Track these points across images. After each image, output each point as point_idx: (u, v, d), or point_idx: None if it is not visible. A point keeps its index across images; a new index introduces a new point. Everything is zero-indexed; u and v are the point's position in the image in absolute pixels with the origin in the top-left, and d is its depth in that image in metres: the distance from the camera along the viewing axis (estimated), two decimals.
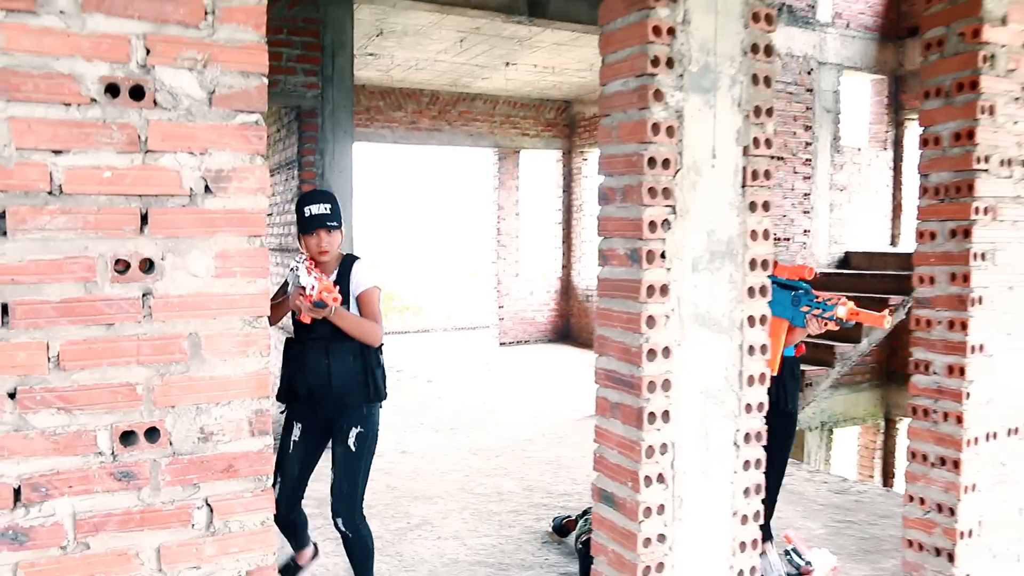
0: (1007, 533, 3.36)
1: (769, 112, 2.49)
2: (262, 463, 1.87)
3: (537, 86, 11.11)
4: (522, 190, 12.48)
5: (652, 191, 2.28)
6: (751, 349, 2.49)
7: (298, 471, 3.34)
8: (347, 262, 3.31)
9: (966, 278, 3.11)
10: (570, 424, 7.00)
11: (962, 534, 3.22)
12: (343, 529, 3.25)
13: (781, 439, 3.63)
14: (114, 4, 1.66)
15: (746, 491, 2.56)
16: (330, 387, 3.20)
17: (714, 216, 2.40)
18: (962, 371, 3.15)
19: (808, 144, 8.30)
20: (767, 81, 2.48)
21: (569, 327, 12.31)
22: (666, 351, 2.33)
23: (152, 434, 1.76)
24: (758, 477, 2.57)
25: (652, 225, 2.27)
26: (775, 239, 8.16)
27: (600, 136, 2.48)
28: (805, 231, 8.31)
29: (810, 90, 8.29)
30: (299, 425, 3.33)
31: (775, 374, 3.40)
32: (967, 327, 3.13)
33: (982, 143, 3.09)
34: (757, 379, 2.52)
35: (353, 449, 3.23)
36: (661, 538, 2.41)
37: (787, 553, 3.89)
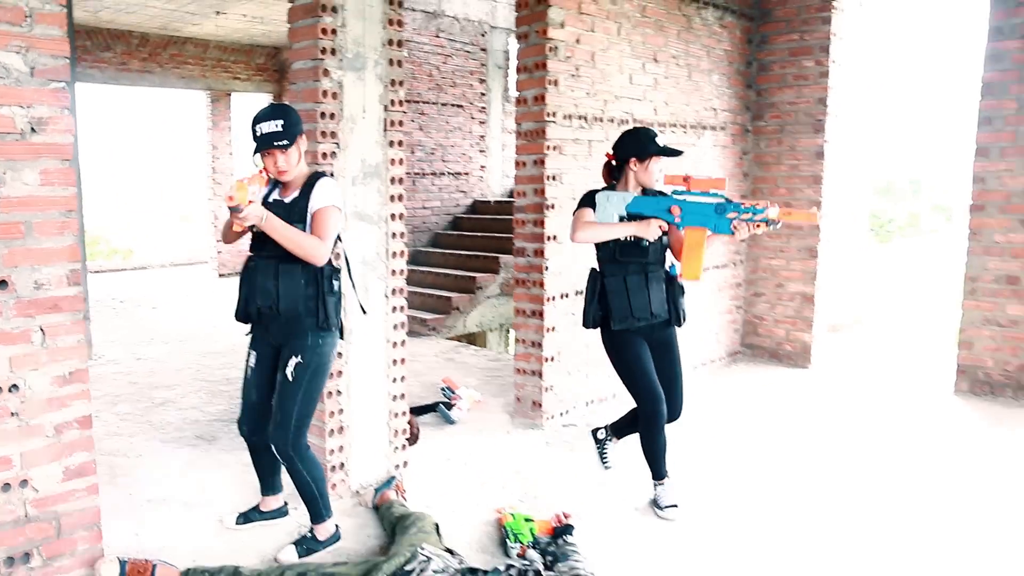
0: (576, 359, 5.14)
1: (401, 83, 3.88)
2: (76, 303, 2.98)
3: (248, 33, 11.77)
4: (235, 130, 13.14)
5: (323, 133, 3.59)
6: (393, 235, 3.91)
7: (255, 396, 3.31)
8: (312, 179, 3.15)
9: (541, 192, 4.77)
10: None
11: (546, 359, 4.94)
12: (277, 455, 3.25)
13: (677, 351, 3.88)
14: None
15: (395, 326, 4.00)
16: (277, 310, 3.11)
17: (366, 149, 3.76)
18: (541, 253, 4.82)
19: (483, 95, 9.96)
20: (399, 63, 3.86)
21: None
22: (337, 235, 3.68)
23: (3, 284, 2.81)
24: (402, 317, 4.02)
25: (324, 155, 3.59)
26: (456, 173, 9.81)
27: (290, 97, 3.73)
28: (482, 167, 10.02)
29: (484, 50, 9.92)
30: (254, 353, 3.29)
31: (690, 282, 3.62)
32: (544, 224, 4.79)
33: (550, 104, 4.72)
34: (398, 254, 3.95)
35: (290, 379, 3.13)
36: (339, 355, 3.78)
37: (442, 390, 5.45)
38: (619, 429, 4.24)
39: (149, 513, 3.75)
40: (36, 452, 2.95)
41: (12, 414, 2.88)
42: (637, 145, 3.63)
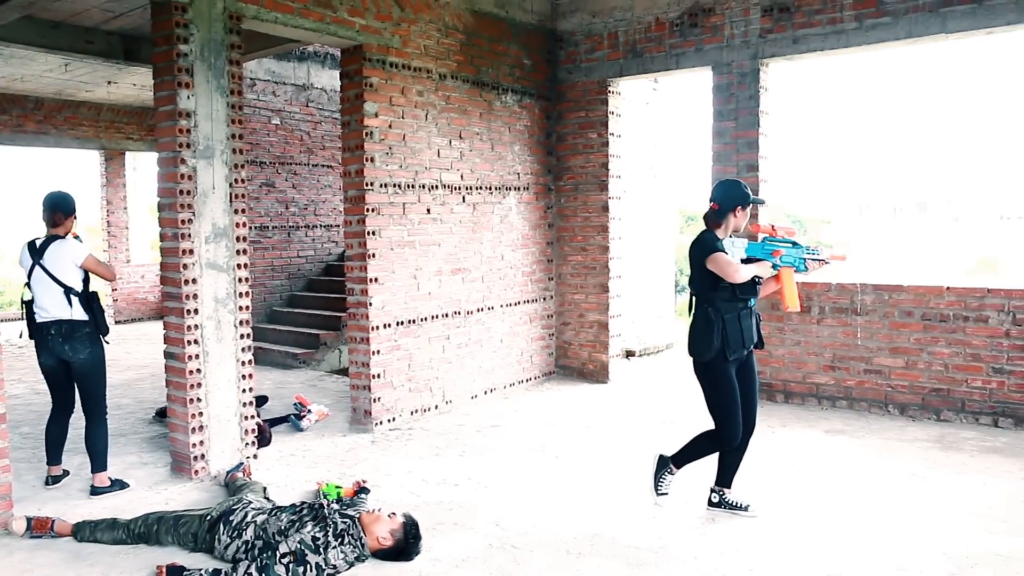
0: (400, 376, 6.49)
1: (243, 167, 5.20)
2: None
3: (138, 97, 12.83)
4: (129, 187, 14.13)
5: (182, 205, 4.89)
6: (239, 280, 5.21)
7: None
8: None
9: (364, 244, 6.14)
10: None
11: (373, 376, 6.27)
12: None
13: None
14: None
15: (243, 348, 5.28)
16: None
17: (216, 216, 5.07)
18: (365, 292, 6.18)
19: None
20: (241, 152, 5.19)
21: None
22: (194, 280, 4.96)
23: None
24: (248, 341, 5.30)
25: (183, 221, 4.89)
26: (328, 226, 11.13)
27: (158, 178, 5.02)
28: None
29: None
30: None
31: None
32: (367, 268, 6.16)
33: (367, 176, 6.12)
34: (244, 294, 5.25)
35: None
36: (199, 371, 5.04)
37: (294, 405, 6.69)
38: (680, 459, 4.52)
39: (49, 495, 4.91)
40: None
41: None
42: (742, 196, 4.18)
